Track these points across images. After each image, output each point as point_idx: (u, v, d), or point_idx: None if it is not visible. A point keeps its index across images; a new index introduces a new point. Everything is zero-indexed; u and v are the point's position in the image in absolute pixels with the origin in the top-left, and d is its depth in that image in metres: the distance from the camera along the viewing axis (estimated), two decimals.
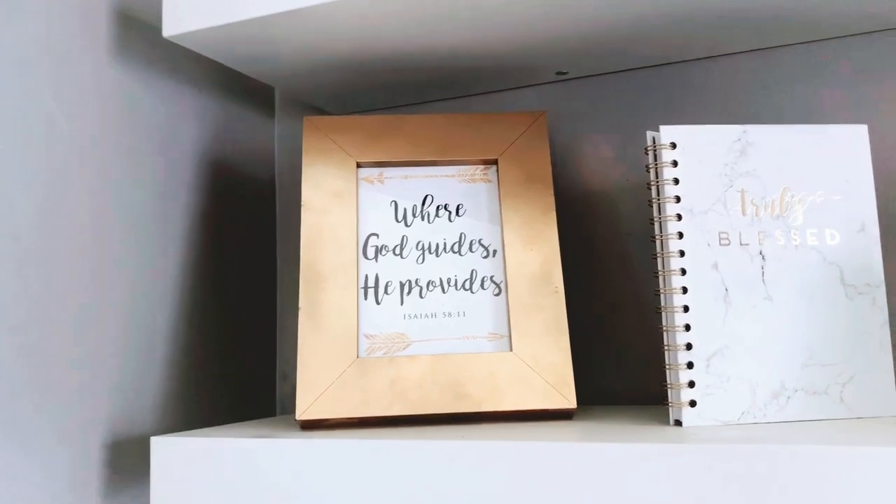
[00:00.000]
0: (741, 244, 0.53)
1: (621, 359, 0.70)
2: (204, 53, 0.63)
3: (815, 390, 0.52)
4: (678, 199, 0.54)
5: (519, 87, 0.75)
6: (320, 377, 0.58)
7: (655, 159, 0.55)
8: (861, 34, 0.65)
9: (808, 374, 0.52)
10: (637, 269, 0.69)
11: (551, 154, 0.73)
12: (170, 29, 0.60)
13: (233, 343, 0.73)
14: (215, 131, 0.73)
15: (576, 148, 0.73)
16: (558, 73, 0.72)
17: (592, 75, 0.73)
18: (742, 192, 0.54)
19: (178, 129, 0.69)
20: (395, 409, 0.57)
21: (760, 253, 0.53)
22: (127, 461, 0.61)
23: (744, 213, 0.54)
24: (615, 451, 0.45)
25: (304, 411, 0.57)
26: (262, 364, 0.77)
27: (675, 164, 0.54)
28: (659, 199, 0.54)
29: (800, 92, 0.66)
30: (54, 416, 0.55)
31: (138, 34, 0.65)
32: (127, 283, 0.62)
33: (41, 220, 0.55)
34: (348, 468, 0.51)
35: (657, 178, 0.54)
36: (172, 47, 0.67)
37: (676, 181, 0.54)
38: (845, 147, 0.55)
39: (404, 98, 0.77)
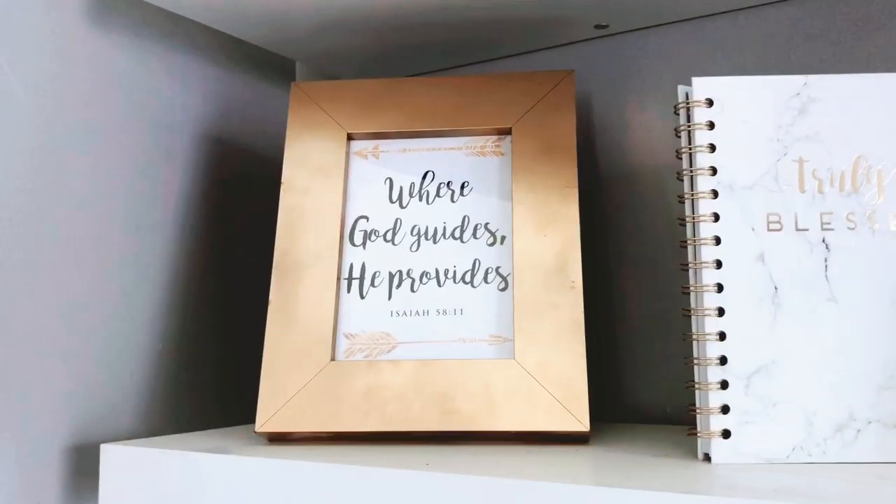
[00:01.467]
0: (797, 229, 0.41)
1: (651, 371, 0.58)
2: (190, 16, 0.56)
3: None
4: (714, 172, 0.42)
5: (551, 48, 0.64)
6: (286, 383, 0.49)
7: (689, 120, 0.43)
8: None
9: (887, 401, 0.40)
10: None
11: (587, 126, 0.62)
12: None
13: (227, 340, 0.66)
14: (222, 107, 0.66)
15: (617, 118, 0.61)
16: (597, 27, 0.61)
17: (638, 29, 0.61)
18: (800, 161, 0.42)
19: (177, 104, 0.62)
20: (370, 423, 0.48)
21: (823, 241, 0.41)
22: (96, 469, 0.54)
23: (802, 189, 0.41)
24: (616, 499, 0.35)
25: (263, 423, 0.49)
26: (255, 367, 0.69)
27: (711, 126, 0.42)
28: (691, 171, 0.42)
29: (882, 39, 0.52)
30: (13, 415, 0.50)
31: None
32: (107, 274, 0.55)
33: (1, 202, 0.50)
34: (297, 492, 0.43)
35: (689, 144, 0.43)
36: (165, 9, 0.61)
37: (713, 148, 0.42)
38: None
39: (427, 63, 0.67)
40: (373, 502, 0.40)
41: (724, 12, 0.58)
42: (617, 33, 0.62)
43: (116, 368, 0.56)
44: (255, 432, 0.49)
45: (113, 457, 0.50)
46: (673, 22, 0.60)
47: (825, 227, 0.41)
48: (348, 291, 0.52)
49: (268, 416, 0.49)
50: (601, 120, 0.62)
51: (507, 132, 0.54)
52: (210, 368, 0.64)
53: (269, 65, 0.71)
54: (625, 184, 0.60)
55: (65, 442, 0.53)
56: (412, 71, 0.69)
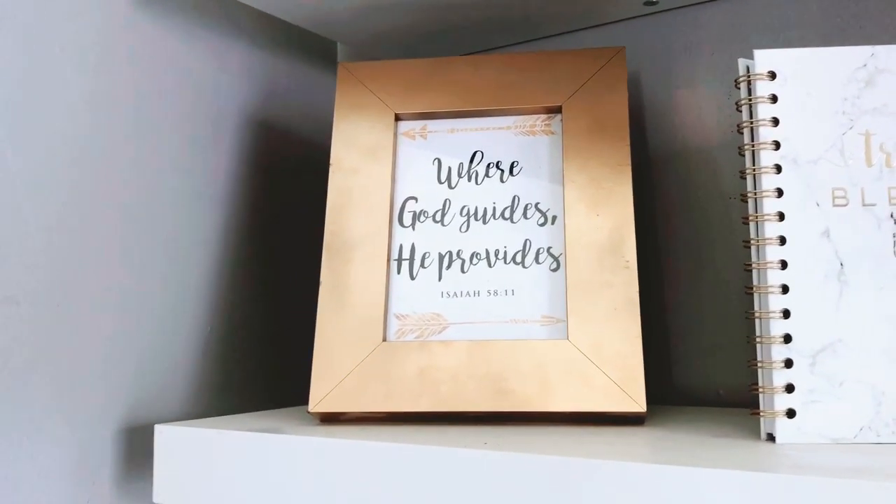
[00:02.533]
0: (864, 204, 0.40)
1: (704, 354, 0.57)
2: None
3: None
4: (777, 146, 0.41)
5: (599, 25, 0.63)
6: (339, 364, 0.49)
7: (749, 94, 0.42)
8: None
9: None
10: (739, 242, 0.56)
11: (636, 104, 0.61)
12: None
13: (276, 323, 0.66)
14: (267, 89, 0.66)
15: (667, 96, 0.60)
16: (646, 4, 0.59)
17: (687, 5, 0.60)
18: (867, 134, 0.40)
19: (222, 86, 0.62)
20: (423, 403, 0.48)
21: (892, 216, 0.40)
22: (149, 449, 0.55)
23: (869, 163, 0.40)
24: (677, 477, 0.34)
25: (318, 403, 0.49)
26: (307, 349, 0.69)
27: (773, 99, 0.41)
28: (752, 146, 0.41)
29: None
30: (61, 396, 0.50)
31: None
32: (155, 259, 0.56)
33: (51, 192, 0.50)
34: (352, 471, 0.42)
35: (751, 118, 0.42)
36: None
37: (776, 122, 0.41)
38: None
39: (472, 44, 0.67)
40: (430, 482, 0.40)
41: None
42: (666, 10, 0.60)
43: (167, 351, 0.57)
44: (308, 412, 0.49)
45: (167, 437, 0.50)
46: None
47: (893, 201, 0.40)
48: (398, 272, 0.52)
49: (321, 397, 0.49)
50: (651, 98, 0.61)
51: (558, 111, 0.54)
52: (259, 351, 0.64)
53: (311, 47, 0.71)
54: (675, 163, 0.59)
55: (118, 424, 0.53)
56: (455, 52, 0.68)
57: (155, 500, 0.50)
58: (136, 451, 0.54)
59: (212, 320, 0.60)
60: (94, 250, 0.52)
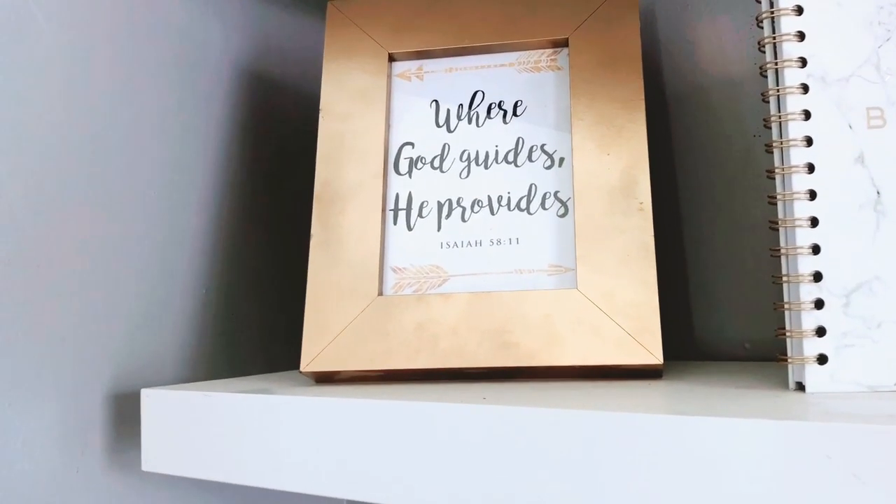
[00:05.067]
0: None
1: (727, 304, 0.53)
2: None
3: None
4: (804, 63, 0.37)
5: None
6: (331, 321, 0.46)
7: (771, 6, 0.38)
8: None
9: None
10: (764, 182, 0.52)
11: (651, 38, 0.57)
12: None
13: (272, 284, 0.63)
14: (260, 40, 0.63)
15: (684, 28, 0.56)
16: None
17: None
18: None
19: (210, 39, 0.58)
20: (422, 360, 0.44)
21: None
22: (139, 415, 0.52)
23: None
24: (700, 428, 0.31)
25: (310, 362, 0.45)
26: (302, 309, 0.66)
27: (799, 11, 0.37)
28: (776, 64, 0.37)
29: None
30: (47, 361, 0.48)
31: None
32: (145, 220, 0.53)
33: (20, 151, 0.47)
34: (348, 434, 0.39)
35: (773, 32, 0.37)
36: None
37: (801, 36, 0.37)
38: None
39: None
40: (427, 439, 0.37)
41: None
42: None
43: (158, 316, 0.54)
44: (301, 373, 0.46)
45: (154, 401, 0.47)
46: None
47: None
48: (395, 223, 0.49)
49: (313, 356, 0.45)
50: (667, 31, 0.56)
51: (564, 44, 0.49)
52: (255, 314, 0.61)
53: None
54: (695, 99, 0.55)
55: (108, 389, 0.51)
56: None
57: (144, 468, 0.47)
58: (126, 419, 0.52)
59: (205, 282, 0.57)
60: (79, 210, 0.49)
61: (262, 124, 0.62)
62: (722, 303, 0.54)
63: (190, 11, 0.57)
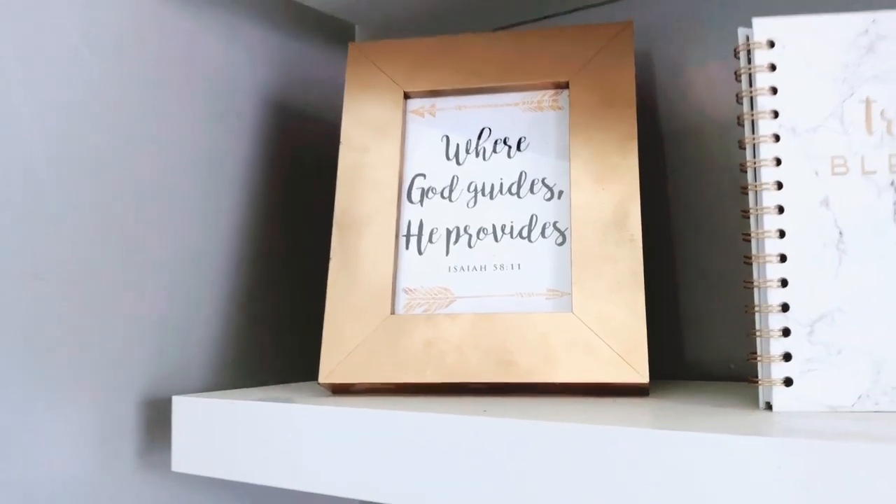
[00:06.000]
0: (864, 172, 0.40)
1: (714, 327, 0.57)
2: None
3: None
4: (776, 115, 0.41)
5: (611, 2, 0.63)
6: (348, 336, 0.50)
7: (749, 62, 0.42)
8: None
9: None
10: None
11: (647, 79, 0.61)
12: None
13: (292, 299, 0.67)
14: (284, 71, 0.67)
15: (677, 70, 0.60)
16: None
17: None
18: (867, 102, 0.40)
19: (238, 70, 0.63)
20: (429, 374, 0.48)
21: (893, 184, 0.39)
22: (168, 420, 0.57)
23: (870, 130, 0.40)
24: (678, 442, 0.35)
25: (328, 374, 0.50)
26: (319, 323, 0.71)
27: (772, 68, 0.41)
28: (752, 115, 0.41)
29: None
30: (85, 370, 0.52)
31: None
32: (175, 238, 0.58)
33: (74, 172, 0.52)
34: (362, 440, 0.44)
35: (750, 87, 0.42)
36: None
37: (774, 91, 0.41)
38: None
39: (486, 22, 0.67)
40: (432, 446, 0.41)
41: None
42: None
43: (185, 327, 0.58)
44: (319, 384, 0.50)
45: (184, 408, 0.52)
46: None
47: (894, 169, 0.39)
48: (407, 248, 0.53)
49: (330, 368, 0.50)
50: (661, 73, 0.61)
51: (565, 86, 0.54)
52: (275, 326, 0.65)
53: (330, 29, 0.72)
54: (687, 137, 0.59)
55: (139, 396, 0.55)
56: (468, 29, 0.69)
57: (174, 468, 0.51)
58: (155, 423, 0.56)
59: (229, 298, 0.61)
60: (116, 229, 0.54)
61: (285, 149, 0.67)
62: (710, 326, 0.58)
63: (220, 45, 0.61)
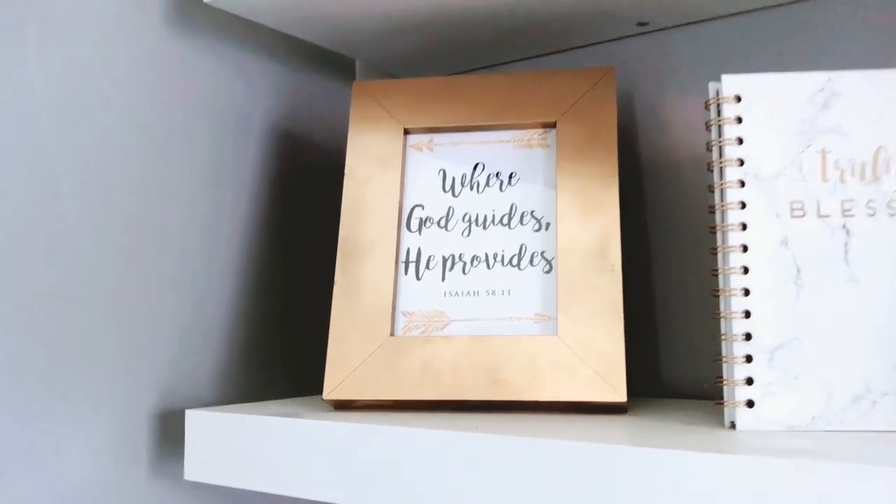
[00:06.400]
0: (819, 216, 0.44)
1: (689, 350, 0.62)
2: (257, 20, 0.61)
3: None
4: (741, 163, 0.45)
5: (595, 44, 0.68)
6: (351, 356, 0.55)
7: (719, 114, 0.47)
8: None
9: None
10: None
11: (629, 118, 0.66)
12: None
13: (292, 319, 0.72)
14: (289, 103, 0.72)
15: (659, 107, 0.65)
16: (639, 24, 0.64)
17: (677, 25, 0.64)
18: (823, 152, 0.45)
19: (248, 100, 0.67)
20: (426, 392, 0.53)
21: (844, 227, 0.44)
22: (181, 431, 0.61)
23: (824, 178, 0.45)
24: (648, 457, 0.39)
25: (331, 391, 0.54)
26: (323, 344, 0.75)
27: (738, 120, 0.46)
28: (720, 163, 0.46)
29: None
30: (101, 384, 0.56)
31: (198, 2, 0.64)
32: (184, 259, 0.62)
33: (93, 197, 0.56)
34: (364, 452, 0.48)
35: (718, 137, 0.46)
36: (239, 15, 0.66)
37: (740, 141, 0.46)
38: None
39: (479, 60, 0.72)
40: (429, 461, 0.45)
41: (759, 9, 0.61)
42: (657, 30, 0.65)
43: (195, 345, 0.62)
44: (323, 400, 0.54)
45: (196, 421, 0.56)
46: (710, 19, 0.63)
47: (846, 213, 0.44)
48: (405, 273, 0.57)
49: (334, 386, 0.54)
50: (642, 112, 0.65)
51: (553, 126, 0.58)
52: (277, 345, 0.69)
53: (332, 63, 0.76)
54: (665, 173, 0.64)
55: (152, 409, 0.59)
56: (462, 67, 0.73)
57: (186, 477, 0.55)
58: (167, 434, 0.60)
59: (235, 318, 0.65)
60: (131, 252, 0.58)
61: (289, 174, 0.71)
62: (686, 348, 0.62)
63: (228, 80, 0.66)
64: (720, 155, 0.46)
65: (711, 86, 0.47)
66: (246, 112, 0.67)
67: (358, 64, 0.78)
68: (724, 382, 0.45)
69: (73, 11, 0.56)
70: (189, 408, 0.59)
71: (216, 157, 0.65)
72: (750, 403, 0.44)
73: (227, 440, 0.54)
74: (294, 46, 0.72)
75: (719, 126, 0.46)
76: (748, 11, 0.61)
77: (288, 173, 0.71)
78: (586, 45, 0.68)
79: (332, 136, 0.76)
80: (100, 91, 0.57)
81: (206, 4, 0.64)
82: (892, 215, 0.44)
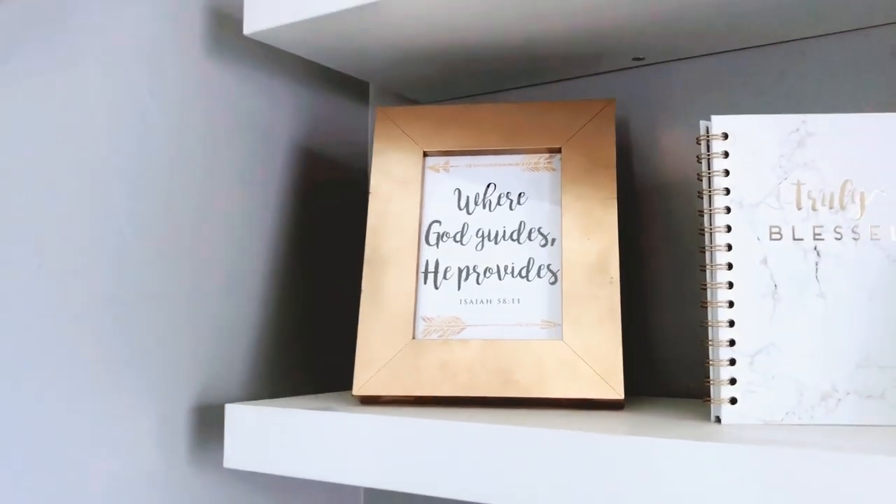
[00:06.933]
0: (794, 239, 0.51)
1: (680, 353, 0.68)
2: (286, 49, 0.67)
3: (870, 394, 0.50)
4: (728, 192, 0.52)
5: (596, 74, 0.74)
6: (377, 356, 0.61)
7: (708, 149, 0.53)
8: None
9: (863, 377, 0.50)
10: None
11: (627, 141, 0.72)
12: (250, 26, 0.64)
13: (318, 325, 0.78)
14: (310, 122, 0.78)
15: (653, 134, 0.71)
16: (635, 59, 0.71)
17: (671, 60, 0.71)
18: (798, 184, 0.52)
19: (274, 120, 0.74)
20: (444, 389, 0.59)
21: (815, 249, 0.51)
22: (217, 423, 0.66)
23: (799, 206, 0.52)
24: (641, 445, 0.46)
25: (360, 387, 0.60)
26: (343, 344, 0.81)
27: (725, 154, 0.53)
28: (709, 191, 0.53)
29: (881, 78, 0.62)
30: (147, 382, 0.62)
31: (231, 31, 0.70)
32: (218, 265, 0.67)
33: (140, 210, 0.62)
34: (394, 442, 0.54)
35: (708, 169, 0.53)
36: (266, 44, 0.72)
37: (727, 173, 0.52)
38: None
39: (487, 86, 0.78)
40: (447, 448, 0.51)
41: (745, 48, 0.68)
42: (652, 64, 0.72)
43: (230, 345, 0.68)
44: (353, 395, 0.60)
45: (234, 413, 0.61)
46: (701, 55, 0.69)
47: (817, 237, 0.51)
48: (425, 283, 0.64)
49: (362, 383, 0.60)
50: (638, 139, 0.72)
51: (558, 151, 0.65)
52: (305, 346, 0.76)
53: (347, 86, 0.82)
54: (659, 194, 0.71)
55: (192, 403, 0.65)
56: (471, 92, 0.80)
57: (226, 465, 0.61)
58: (205, 426, 0.66)
59: (265, 321, 0.71)
60: (175, 262, 0.64)
61: (312, 185, 0.77)
62: (677, 352, 0.69)
63: (257, 101, 0.72)
64: (709, 185, 0.53)
65: (702, 124, 0.54)
66: (272, 130, 0.74)
67: (371, 87, 0.84)
68: (711, 382, 0.51)
69: (128, 43, 0.62)
70: (222, 403, 0.65)
71: (248, 172, 0.71)
72: (733, 400, 0.50)
73: (263, 431, 0.60)
74: (314, 71, 0.78)
75: (709, 159, 0.53)
76: (733, 50, 0.68)
77: (307, 186, 0.77)
78: (587, 76, 0.75)
79: (347, 152, 0.82)
80: (147, 113, 0.63)
81: (240, 34, 0.70)
82: (856, 239, 0.51)
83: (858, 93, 0.63)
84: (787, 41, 0.66)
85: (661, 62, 0.71)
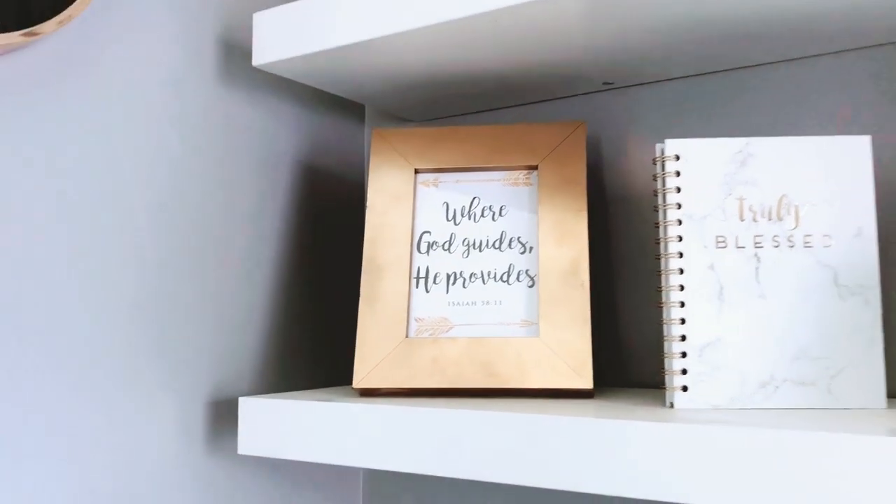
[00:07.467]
0: (737, 247, 0.59)
1: (644, 348, 0.76)
2: (291, 77, 0.75)
3: (804, 381, 0.57)
4: (679, 206, 0.60)
5: (569, 97, 0.82)
6: (375, 353, 0.68)
7: (663, 169, 0.61)
8: (885, 45, 0.67)
9: (798, 367, 0.57)
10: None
11: (597, 158, 0.80)
12: (258, 59, 0.72)
13: (319, 325, 0.85)
14: (311, 141, 0.85)
15: (620, 152, 0.79)
16: (605, 84, 0.78)
17: (638, 84, 0.78)
18: (741, 199, 0.59)
19: (278, 140, 0.81)
20: (435, 382, 0.66)
21: (756, 255, 0.59)
22: (229, 416, 0.74)
23: (741, 218, 0.59)
24: (605, 426, 0.53)
25: (359, 381, 0.68)
26: (343, 343, 0.89)
27: (678, 174, 0.60)
28: (663, 206, 0.60)
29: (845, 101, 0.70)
30: (168, 378, 0.69)
31: (240, 60, 0.77)
32: (230, 273, 0.75)
33: (160, 222, 0.69)
34: (391, 428, 0.61)
35: (662, 186, 0.61)
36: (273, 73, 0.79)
37: (678, 189, 0.60)
38: (846, 157, 0.59)
39: (470, 107, 0.85)
40: (438, 433, 0.59)
41: (706, 73, 0.75)
42: (620, 87, 0.79)
43: (240, 344, 0.76)
44: (353, 388, 0.68)
45: (248, 406, 0.69)
46: (664, 80, 0.77)
47: (757, 245, 0.59)
48: (417, 287, 0.71)
49: (361, 377, 0.68)
50: (607, 157, 0.80)
51: (535, 168, 0.72)
52: (308, 344, 0.83)
53: (345, 108, 0.90)
54: (624, 207, 0.78)
55: (207, 397, 0.72)
56: (455, 112, 0.87)
57: (240, 452, 0.69)
58: (219, 419, 0.73)
59: (272, 323, 0.79)
60: (190, 268, 0.71)
61: (313, 197, 0.85)
62: (640, 347, 0.77)
63: (264, 123, 0.79)
64: (664, 200, 0.60)
65: (657, 147, 0.61)
66: (279, 149, 0.81)
67: (367, 109, 0.91)
68: (666, 372, 0.59)
69: (149, 70, 0.69)
70: (235, 396, 0.72)
71: (257, 188, 0.78)
72: (684, 388, 0.58)
73: (272, 421, 0.67)
74: (315, 95, 0.86)
75: (663, 178, 0.60)
76: (696, 75, 0.76)
77: (310, 199, 0.85)
78: (562, 98, 0.82)
79: (346, 168, 0.90)
80: (165, 135, 0.70)
81: (249, 64, 0.77)
82: (792, 247, 0.58)
83: (801, 117, 0.71)
84: (739, 68, 0.74)
85: (629, 86, 0.79)
